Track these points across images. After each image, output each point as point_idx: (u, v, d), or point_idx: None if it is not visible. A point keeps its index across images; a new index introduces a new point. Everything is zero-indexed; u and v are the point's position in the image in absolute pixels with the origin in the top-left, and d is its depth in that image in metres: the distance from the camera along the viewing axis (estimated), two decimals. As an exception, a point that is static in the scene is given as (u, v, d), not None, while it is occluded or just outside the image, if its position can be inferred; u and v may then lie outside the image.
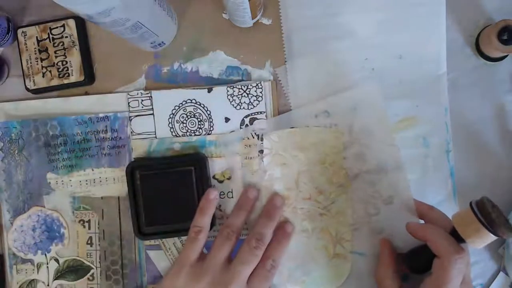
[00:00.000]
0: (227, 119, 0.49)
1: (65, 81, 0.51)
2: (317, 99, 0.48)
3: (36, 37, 0.51)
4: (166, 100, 0.49)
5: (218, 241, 0.44)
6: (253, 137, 0.48)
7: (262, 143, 0.48)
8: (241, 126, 0.48)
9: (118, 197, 0.50)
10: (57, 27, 0.51)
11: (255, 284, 0.43)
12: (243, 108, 0.48)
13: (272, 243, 0.45)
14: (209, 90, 0.49)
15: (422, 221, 0.45)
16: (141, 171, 0.48)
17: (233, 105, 0.49)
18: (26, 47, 0.51)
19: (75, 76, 0.50)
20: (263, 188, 0.48)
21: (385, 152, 0.46)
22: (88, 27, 0.51)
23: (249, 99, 0.48)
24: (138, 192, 0.48)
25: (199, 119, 0.49)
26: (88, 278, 0.51)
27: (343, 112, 0.47)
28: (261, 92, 0.48)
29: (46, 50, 0.51)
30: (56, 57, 0.51)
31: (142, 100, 0.50)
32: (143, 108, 0.50)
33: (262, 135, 0.48)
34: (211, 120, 0.49)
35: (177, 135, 0.49)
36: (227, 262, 0.43)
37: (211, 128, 0.49)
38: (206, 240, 0.45)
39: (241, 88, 0.48)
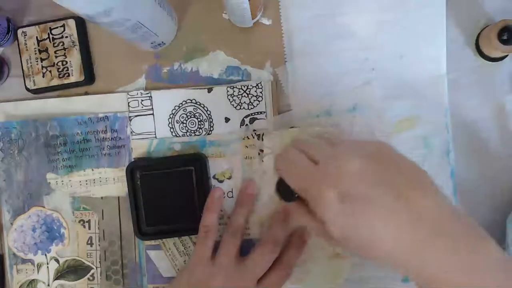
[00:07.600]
0: (227, 119, 0.49)
1: (65, 81, 0.51)
2: (317, 99, 0.48)
3: (36, 37, 0.51)
4: (166, 100, 0.49)
5: (224, 240, 0.45)
6: (253, 137, 0.48)
7: (262, 143, 0.48)
8: (241, 126, 0.48)
9: (118, 197, 0.50)
10: (57, 27, 0.51)
11: (268, 286, 0.44)
12: (243, 108, 0.48)
13: (290, 250, 0.45)
14: (209, 90, 0.49)
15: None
16: (141, 171, 0.48)
17: (233, 105, 0.49)
18: (26, 47, 0.51)
19: (75, 76, 0.50)
20: (263, 188, 0.48)
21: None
22: (88, 27, 0.51)
23: (249, 99, 0.48)
24: (138, 192, 0.48)
25: (199, 119, 0.49)
26: (88, 278, 0.51)
27: (343, 112, 0.47)
28: (261, 92, 0.48)
29: (46, 50, 0.51)
30: (56, 57, 0.51)
31: (142, 100, 0.50)
32: (143, 108, 0.50)
33: (262, 135, 0.48)
34: (211, 120, 0.49)
35: (177, 135, 0.49)
36: (238, 260, 0.44)
37: (211, 128, 0.49)
38: (216, 237, 0.45)
39: (241, 88, 0.48)
